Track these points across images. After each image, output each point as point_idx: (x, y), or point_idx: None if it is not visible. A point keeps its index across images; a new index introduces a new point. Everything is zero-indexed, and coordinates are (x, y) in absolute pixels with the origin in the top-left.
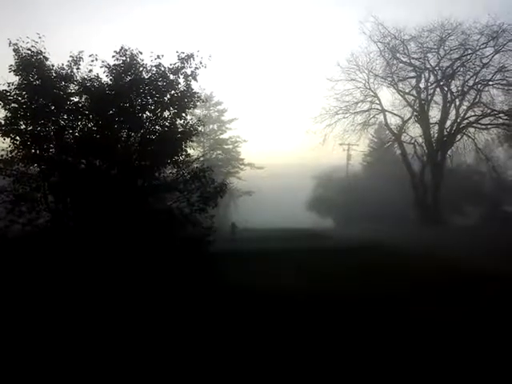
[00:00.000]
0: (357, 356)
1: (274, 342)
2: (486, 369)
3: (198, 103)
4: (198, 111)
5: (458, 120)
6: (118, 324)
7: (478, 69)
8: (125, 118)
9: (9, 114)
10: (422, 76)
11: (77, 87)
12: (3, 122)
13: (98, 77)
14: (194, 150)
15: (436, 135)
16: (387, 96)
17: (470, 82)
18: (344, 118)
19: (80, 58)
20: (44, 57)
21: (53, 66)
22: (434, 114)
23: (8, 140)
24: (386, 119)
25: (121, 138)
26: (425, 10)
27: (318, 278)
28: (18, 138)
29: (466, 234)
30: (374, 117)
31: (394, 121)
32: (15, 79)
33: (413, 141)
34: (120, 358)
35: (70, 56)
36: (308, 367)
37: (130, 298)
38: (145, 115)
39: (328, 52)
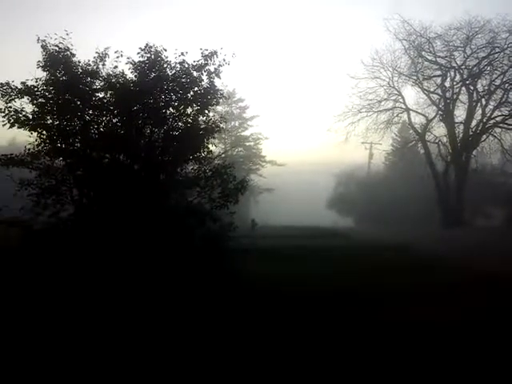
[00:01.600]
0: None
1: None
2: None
3: (221, 100)
4: (220, 108)
5: (484, 120)
6: (134, 318)
7: (505, 68)
8: (148, 114)
9: (36, 109)
10: (448, 75)
11: (102, 83)
12: (31, 117)
13: (123, 73)
14: (215, 147)
15: (461, 135)
16: (411, 95)
17: (497, 82)
18: (367, 116)
19: (106, 54)
20: (71, 53)
21: (79, 62)
22: (460, 113)
23: (35, 134)
24: (409, 118)
25: (144, 134)
26: (452, 8)
27: (336, 278)
28: (44, 132)
29: (489, 236)
30: (397, 115)
31: (418, 120)
32: (43, 75)
33: (437, 140)
34: (130, 351)
35: (96, 52)
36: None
37: (148, 292)
38: (168, 111)
39: (351, 49)
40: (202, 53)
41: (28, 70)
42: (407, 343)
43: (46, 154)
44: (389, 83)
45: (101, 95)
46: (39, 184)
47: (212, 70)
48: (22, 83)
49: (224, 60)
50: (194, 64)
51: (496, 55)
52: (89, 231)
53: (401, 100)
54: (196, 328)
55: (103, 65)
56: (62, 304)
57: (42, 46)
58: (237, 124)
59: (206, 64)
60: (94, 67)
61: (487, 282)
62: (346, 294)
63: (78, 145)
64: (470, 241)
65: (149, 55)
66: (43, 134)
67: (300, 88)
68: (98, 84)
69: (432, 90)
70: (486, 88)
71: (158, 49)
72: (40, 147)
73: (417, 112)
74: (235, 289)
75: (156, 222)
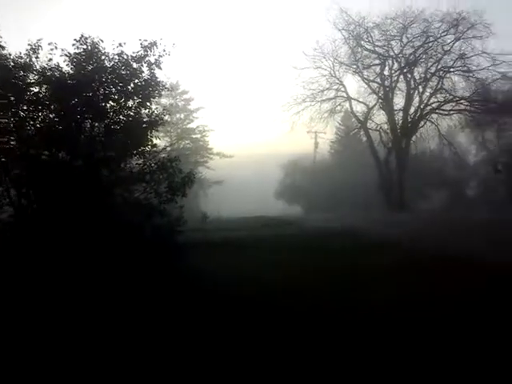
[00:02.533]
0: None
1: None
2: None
3: (164, 92)
4: (164, 100)
5: (422, 106)
6: (75, 316)
7: (439, 56)
8: (87, 108)
9: None
10: (386, 63)
11: (36, 77)
12: None
13: (58, 66)
14: (160, 140)
15: (400, 122)
16: (352, 84)
17: (432, 69)
18: (311, 105)
19: (39, 46)
20: (0, 45)
21: (10, 54)
22: (398, 100)
23: None
24: (351, 107)
25: (84, 129)
26: None
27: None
28: None
29: (430, 218)
30: (340, 104)
31: (359, 108)
32: None
33: (378, 128)
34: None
35: (29, 44)
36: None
37: (92, 291)
38: (108, 105)
39: (294, 40)
40: (141, 44)
41: None
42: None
43: None
44: (330, 73)
45: (36, 90)
46: None
47: (152, 61)
48: None
49: (164, 51)
50: (134, 55)
51: (430, 44)
52: (29, 232)
53: (342, 89)
54: (131, 318)
55: (36, 57)
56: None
57: None
58: (182, 116)
59: (146, 55)
60: (27, 60)
61: (423, 262)
62: (288, 286)
63: (14, 143)
64: (412, 223)
65: (85, 47)
66: None
67: (245, 79)
68: (32, 78)
69: (372, 78)
70: (423, 76)
71: (95, 40)
72: None
73: (358, 101)
74: (176, 285)
75: (99, 220)
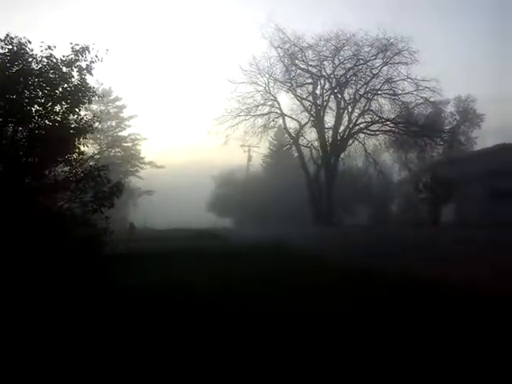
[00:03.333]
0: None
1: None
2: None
3: (94, 98)
4: (94, 107)
5: (350, 126)
6: None
7: (368, 78)
8: (11, 111)
9: None
10: (319, 83)
11: None
12: None
13: None
14: (89, 148)
15: (330, 139)
16: (286, 101)
17: (361, 91)
18: (245, 120)
19: None
20: None
21: None
22: (329, 119)
23: None
24: (284, 123)
25: (6, 133)
26: (323, 17)
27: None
28: None
29: (354, 232)
30: (273, 120)
31: (292, 125)
32: None
33: (309, 144)
34: None
35: None
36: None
37: (8, 302)
38: (33, 109)
39: (230, 54)
40: (72, 48)
41: None
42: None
43: None
44: (265, 89)
45: None
46: None
47: (84, 66)
48: None
49: (96, 56)
50: (64, 59)
51: (360, 66)
52: None
53: (276, 105)
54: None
55: None
56: None
57: None
58: (113, 124)
59: (77, 60)
60: None
61: (336, 271)
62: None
63: None
64: (337, 237)
65: (10, 47)
66: None
67: (180, 89)
68: None
69: (304, 96)
70: (352, 97)
71: (22, 40)
72: None
73: (291, 117)
74: (97, 296)
75: (21, 229)
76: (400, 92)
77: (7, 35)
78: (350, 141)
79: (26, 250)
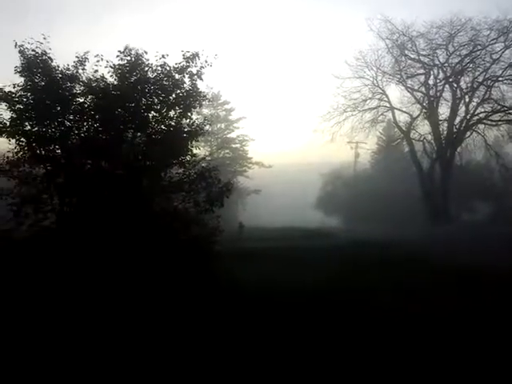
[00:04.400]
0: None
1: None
2: None
3: (205, 102)
4: (205, 110)
5: (468, 117)
6: (119, 325)
7: (487, 65)
8: (130, 118)
9: (14, 115)
10: (431, 73)
11: (82, 88)
12: (8, 124)
13: (103, 77)
14: (200, 150)
15: (445, 132)
16: (396, 93)
17: (480, 78)
18: (352, 115)
19: (85, 58)
20: (49, 57)
21: (58, 66)
22: (444, 110)
23: (13, 141)
24: (394, 117)
25: (126, 139)
26: (434, 7)
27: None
28: (23, 139)
29: (474, 233)
30: (382, 114)
31: (402, 118)
32: (20, 80)
33: (422, 138)
34: (118, 357)
35: (76, 56)
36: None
37: (133, 300)
38: (150, 115)
39: (335, 49)
40: (183, 55)
41: (6, 76)
42: None
43: (26, 162)
44: (373, 82)
45: (81, 100)
46: (19, 193)
47: (194, 71)
48: None
49: (206, 62)
50: (176, 66)
51: (478, 52)
52: (71, 239)
53: (385, 99)
54: (173, 328)
55: (83, 69)
56: (41, 314)
57: (20, 52)
58: (223, 126)
59: (188, 66)
60: (74, 71)
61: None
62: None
63: (59, 151)
64: (458, 237)
65: (129, 58)
66: (22, 141)
67: (285, 89)
68: (78, 89)
69: (416, 88)
70: (469, 85)
71: (139, 51)
72: (19, 155)
73: (401, 110)
74: (216, 294)
75: (139, 229)
76: None
77: (126, 47)
78: (468, 133)
79: (145, 248)
